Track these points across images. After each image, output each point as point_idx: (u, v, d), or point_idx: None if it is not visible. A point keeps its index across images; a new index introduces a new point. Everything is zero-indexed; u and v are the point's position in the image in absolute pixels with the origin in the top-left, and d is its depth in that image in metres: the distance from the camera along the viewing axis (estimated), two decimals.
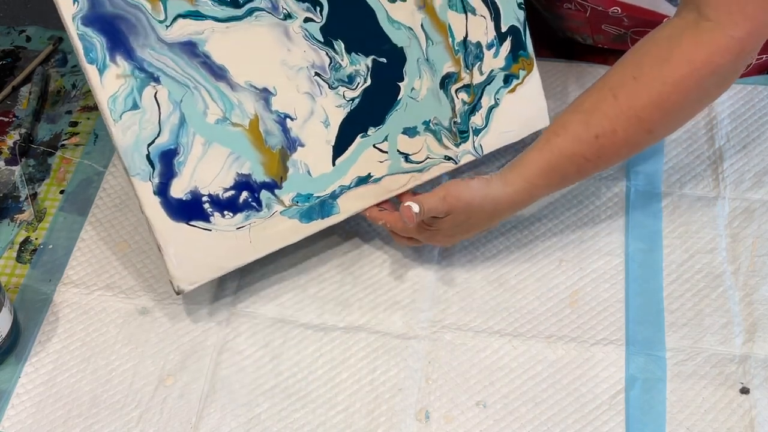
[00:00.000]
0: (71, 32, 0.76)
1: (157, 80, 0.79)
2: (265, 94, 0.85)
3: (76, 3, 0.76)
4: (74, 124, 1.10)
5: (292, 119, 0.86)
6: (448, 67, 0.91)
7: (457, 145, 0.93)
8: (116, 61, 0.78)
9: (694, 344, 0.88)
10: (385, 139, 0.90)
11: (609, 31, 1.06)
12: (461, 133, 0.93)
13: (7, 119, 1.11)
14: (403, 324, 0.90)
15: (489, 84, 0.93)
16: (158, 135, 0.80)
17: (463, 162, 0.94)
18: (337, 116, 0.88)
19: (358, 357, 0.88)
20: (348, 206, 0.90)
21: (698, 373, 0.86)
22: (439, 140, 0.92)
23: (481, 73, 0.92)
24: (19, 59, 1.17)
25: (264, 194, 0.86)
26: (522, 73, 0.95)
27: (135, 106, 0.79)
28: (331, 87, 0.87)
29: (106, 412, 0.86)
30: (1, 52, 1.17)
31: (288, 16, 0.83)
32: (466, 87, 0.92)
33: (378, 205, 0.91)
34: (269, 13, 0.83)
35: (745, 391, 0.84)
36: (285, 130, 0.86)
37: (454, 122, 0.92)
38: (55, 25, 1.20)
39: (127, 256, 0.97)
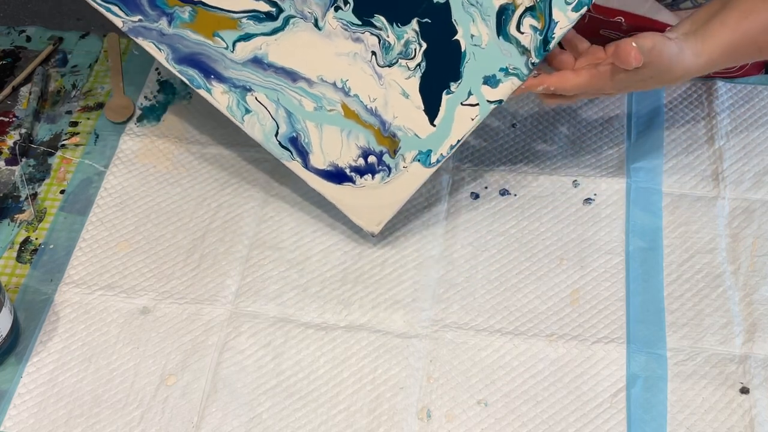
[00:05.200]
0: (173, 71, 0.94)
1: (250, 90, 0.93)
2: (339, 85, 0.91)
3: (162, 51, 0.93)
4: (74, 124, 1.10)
5: (372, 100, 0.91)
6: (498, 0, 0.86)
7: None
8: (213, 84, 0.93)
9: (694, 344, 0.88)
10: (470, 93, 0.88)
11: (606, 35, 1.06)
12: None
13: (7, 119, 1.11)
14: (404, 323, 0.91)
15: None
16: (278, 127, 0.93)
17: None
18: (412, 84, 0.89)
19: (359, 356, 0.88)
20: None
21: (698, 373, 0.86)
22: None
23: None
24: (19, 59, 1.17)
25: (387, 158, 0.92)
26: None
27: (248, 111, 0.94)
28: (390, 65, 0.89)
29: (107, 412, 0.86)
30: (1, 52, 1.17)
31: (316, 21, 0.89)
32: (530, 10, 0.84)
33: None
34: (302, 19, 0.90)
35: (745, 391, 0.85)
36: (371, 111, 0.91)
37: (532, 63, 0.86)
38: (55, 25, 1.20)
39: (128, 255, 0.97)
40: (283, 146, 0.94)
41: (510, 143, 1.05)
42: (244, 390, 0.87)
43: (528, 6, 0.84)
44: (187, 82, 0.94)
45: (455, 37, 0.87)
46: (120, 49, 1.17)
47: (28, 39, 1.19)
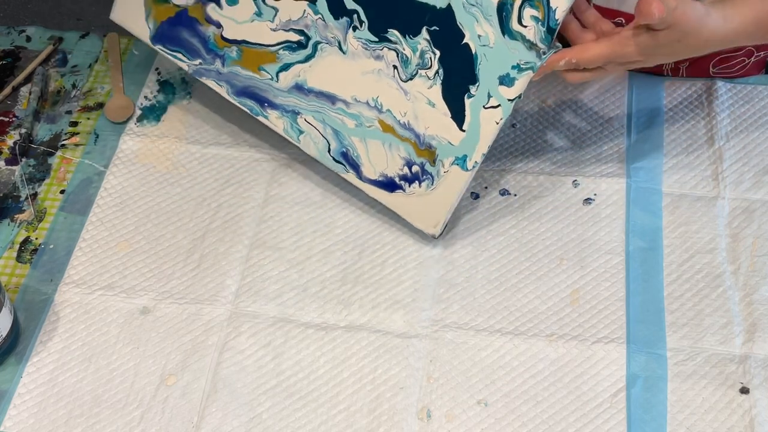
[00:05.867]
0: (234, 103, 1.02)
1: (298, 113, 0.98)
2: (372, 104, 0.95)
3: (222, 86, 1.02)
4: (74, 124, 1.10)
5: (403, 114, 0.94)
6: None
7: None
8: (268, 111, 1.00)
9: (694, 344, 0.88)
10: (489, 96, 0.89)
11: None
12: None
13: (7, 119, 1.11)
14: (404, 323, 0.91)
15: None
16: (329, 144, 0.98)
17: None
18: (435, 93, 0.91)
19: (359, 356, 0.88)
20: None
21: (698, 373, 0.86)
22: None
23: None
24: (19, 59, 1.17)
25: (428, 167, 0.94)
26: None
27: (301, 132, 0.99)
28: (412, 78, 0.91)
29: (107, 412, 0.86)
30: (1, 52, 1.17)
31: (339, 45, 0.94)
32: (528, 0, 0.84)
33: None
34: (327, 44, 0.94)
35: (745, 391, 0.85)
36: (404, 126, 0.94)
37: (542, 52, 0.86)
38: (55, 25, 1.20)
39: (128, 255, 0.97)
40: (336, 161, 0.98)
41: (510, 143, 1.05)
42: (244, 390, 0.87)
43: None
44: (248, 111, 1.01)
45: (464, 41, 0.88)
46: (120, 49, 1.17)
47: (28, 39, 1.19)
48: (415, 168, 0.95)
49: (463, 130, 0.91)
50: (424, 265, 0.95)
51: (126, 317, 0.92)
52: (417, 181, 0.95)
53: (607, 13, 1.04)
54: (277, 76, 0.98)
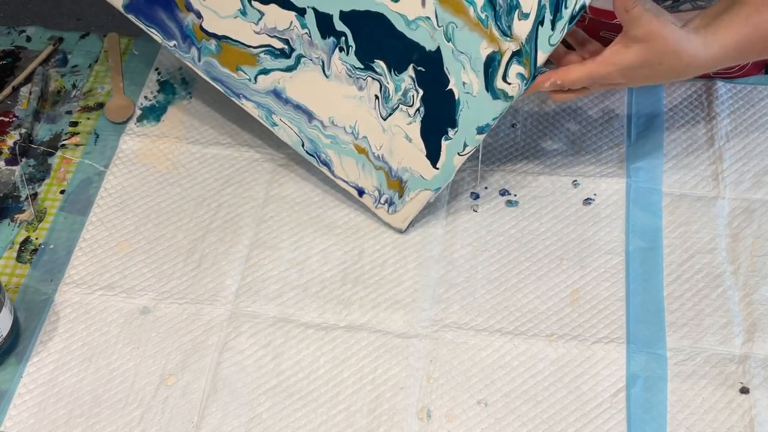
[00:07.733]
0: (210, 82, 1.00)
1: (274, 112, 0.98)
2: (348, 130, 0.95)
3: (198, 68, 1.00)
4: (74, 124, 1.10)
5: (378, 147, 0.95)
6: (485, 48, 0.85)
7: None
8: (243, 101, 1.00)
9: (694, 344, 0.88)
10: (465, 145, 0.91)
11: (607, 37, 1.06)
12: None
13: (7, 119, 1.11)
14: (404, 323, 0.91)
15: (541, 25, 0.82)
16: (303, 142, 0.99)
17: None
18: (414, 129, 0.92)
19: (359, 356, 0.88)
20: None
21: (698, 373, 0.86)
22: None
23: (525, 18, 0.82)
24: (19, 59, 1.17)
25: (396, 199, 0.96)
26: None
27: (275, 124, 0.99)
28: (392, 112, 0.92)
29: (107, 412, 0.86)
30: (1, 52, 1.17)
31: (323, 67, 0.93)
32: (517, 55, 0.84)
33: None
34: (311, 61, 0.93)
35: (744, 391, 0.85)
36: (378, 158, 0.95)
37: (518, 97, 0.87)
38: (55, 25, 1.20)
39: (128, 255, 0.97)
40: (310, 154, 0.99)
41: (510, 143, 1.05)
42: (244, 390, 0.87)
43: (514, 51, 0.84)
44: (222, 91, 1.00)
45: (449, 87, 0.88)
46: (120, 49, 1.17)
47: (28, 39, 1.19)
48: (384, 198, 0.97)
49: (437, 168, 0.93)
50: (424, 265, 0.95)
51: (126, 317, 0.92)
52: (386, 204, 0.97)
53: (607, 15, 1.04)
54: (255, 78, 0.97)
